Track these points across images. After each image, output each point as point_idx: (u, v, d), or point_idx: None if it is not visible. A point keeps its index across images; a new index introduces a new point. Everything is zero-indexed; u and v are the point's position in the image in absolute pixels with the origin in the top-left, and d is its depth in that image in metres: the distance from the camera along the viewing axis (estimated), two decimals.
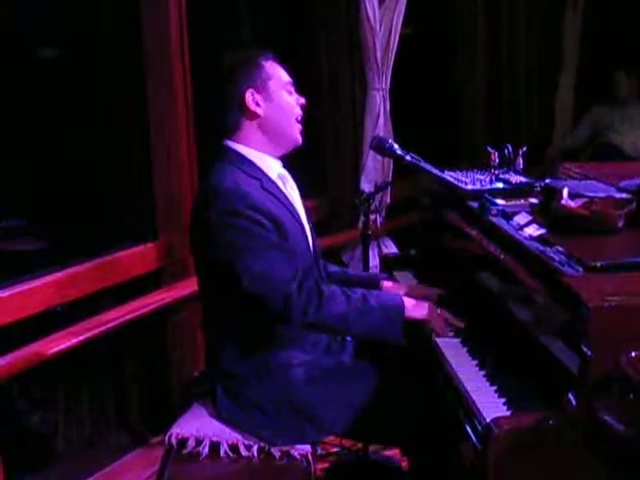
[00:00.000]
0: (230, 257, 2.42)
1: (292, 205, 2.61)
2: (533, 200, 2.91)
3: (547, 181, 2.97)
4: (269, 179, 2.57)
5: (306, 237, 2.64)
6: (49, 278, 3.32)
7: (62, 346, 3.21)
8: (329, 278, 2.85)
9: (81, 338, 3.29)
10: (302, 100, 2.65)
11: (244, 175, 2.52)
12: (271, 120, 2.58)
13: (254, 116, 2.57)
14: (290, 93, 2.62)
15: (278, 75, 2.61)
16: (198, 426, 2.54)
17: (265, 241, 2.43)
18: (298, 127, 2.64)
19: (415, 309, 2.58)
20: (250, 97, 2.55)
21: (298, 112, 2.63)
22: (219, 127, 2.65)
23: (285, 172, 2.67)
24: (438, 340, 2.60)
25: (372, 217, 4.33)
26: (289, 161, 2.71)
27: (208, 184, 2.52)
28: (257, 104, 2.56)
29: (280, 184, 2.62)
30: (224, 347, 2.57)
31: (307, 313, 2.42)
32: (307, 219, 2.71)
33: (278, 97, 2.59)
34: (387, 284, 2.94)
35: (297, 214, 2.61)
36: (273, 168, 2.62)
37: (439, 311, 2.64)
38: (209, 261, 2.51)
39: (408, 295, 2.81)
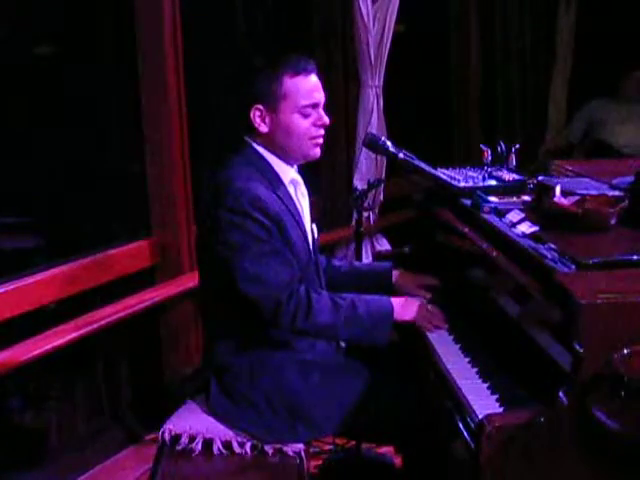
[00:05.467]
0: (230, 255, 2.43)
1: (299, 213, 2.61)
2: (526, 198, 2.92)
3: (540, 179, 2.98)
4: (282, 183, 2.57)
5: (308, 245, 2.64)
6: (43, 275, 3.32)
7: (56, 343, 3.21)
8: (337, 272, 2.89)
9: (75, 335, 3.29)
10: (324, 120, 2.55)
11: (258, 175, 2.52)
12: (279, 138, 2.54)
13: (260, 132, 2.53)
14: (305, 116, 2.51)
15: (297, 96, 2.50)
16: (191, 422, 2.55)
17: (266, 246, 2.44)
18: (314, 143, 2.57)
19: (404, 311, 2.61)
20: (256, 113, 2.51)
21: (313, 133, 2.55)
22: (239, 122, 2.63)
23: (298, 177, 2.66)
24: (431, 337, 2.60)
25: (365, 214, 4.34)
26: None
27: (221, 178, 2.52)
28: (262, 121, 2.51)
29: (291, 190, 2.61)
30: (220, 341, 2.59)
31: (295, 321, 2.45)
32: (312, 227, 2.72)
33: (287, 120, 2.51)
34: (396, 273, 2.96)
35: (302, 222, 2.61)
36: (287, 172, 2.60)
37: (429, 307, 2.67)
38: (211, 255, 2.52)
39: (409, 285, 2.88)
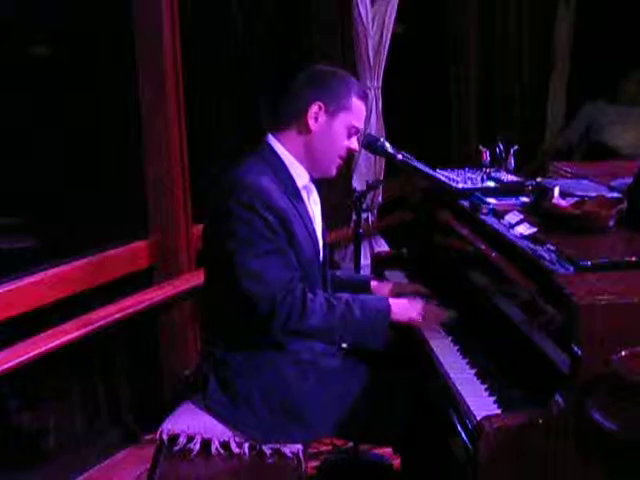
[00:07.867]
0: (233, 248, 2.44)
1: (309, 216, 2.62)
2: (524, 199, 2.92)
3: (538, 180, 2.99)
4: (295, 186, 2.59)
5: (317, 249, 2.64)
6: (41, 276, 3.32)
7: (54, 344, 3.21)
8: None
9: (73, 336, 3.29)
10: (354, 146, 2.66)
11: (272, 175, 2.54)
12: (317, 142, 2.58)
13: (306, 127, 2.57)
14: (349, 136, 2.62)
15: (354, 115, 2.60)
16: (189, 423, 2.55)
17: (270, 244, 2.45)
18: (338, 163, 2.65)
19: (401, 312, 2.61)
20: (315, 109, 2.55)
21: (343, 153, 2.63)
22: (268, 117, 2.65)
23: (311, 185, 2.69)
24: (429, 339, 2.60)
25: (364, 216, 4.33)
26: None
27: (235, 175, 2.54)
28: (316, 119, 2.56)
29: (304, 194, 2.64)
30: (219, 338, 2.59)
31: (288, 322, 2.45)
32: (323, 234, 2.74)
33: (337, 129, 2.58)
34: (374, 283, 2.99)
35: (312, 227, 2.62)
36: (301, 177, 2.62)
37: (426, 306, 2.67)
38: (216, 248, 2.53)
39: (394, 293, 2.85)
